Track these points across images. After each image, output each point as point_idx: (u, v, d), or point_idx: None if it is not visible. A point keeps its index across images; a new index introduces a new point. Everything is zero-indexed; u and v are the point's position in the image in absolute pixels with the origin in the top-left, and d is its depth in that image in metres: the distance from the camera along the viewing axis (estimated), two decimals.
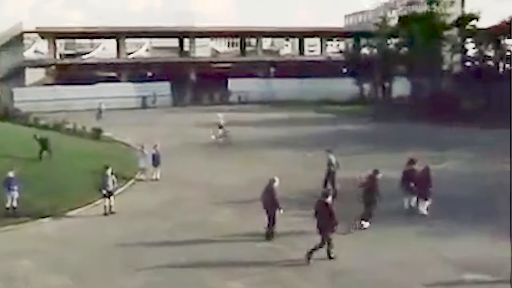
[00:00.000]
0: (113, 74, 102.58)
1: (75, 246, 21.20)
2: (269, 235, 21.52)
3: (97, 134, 49.27)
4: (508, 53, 66.70)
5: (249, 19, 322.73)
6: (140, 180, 32.66)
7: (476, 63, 72.37)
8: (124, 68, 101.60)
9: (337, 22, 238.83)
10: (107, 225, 23.77)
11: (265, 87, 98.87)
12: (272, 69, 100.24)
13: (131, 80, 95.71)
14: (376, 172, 23.05)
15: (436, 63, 70.26)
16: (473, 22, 71.30)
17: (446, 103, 63.41)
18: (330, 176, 28.46)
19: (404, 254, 19.68)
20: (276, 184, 21.69)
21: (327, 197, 19.25)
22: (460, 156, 38.63)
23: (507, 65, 68.50)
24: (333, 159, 28.80)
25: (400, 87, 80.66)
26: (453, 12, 70.26)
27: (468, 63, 73.74)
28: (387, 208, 23.47)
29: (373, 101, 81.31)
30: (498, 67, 68.72)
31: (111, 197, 25.60)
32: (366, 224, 22.48)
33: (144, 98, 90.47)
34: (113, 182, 25.98)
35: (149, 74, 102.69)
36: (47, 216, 24.78)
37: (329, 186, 27.85)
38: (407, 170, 25.10)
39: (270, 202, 21.46)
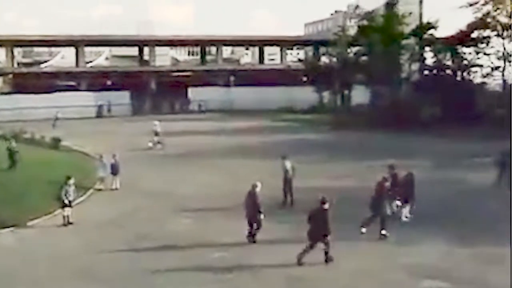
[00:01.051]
0: (72, 83, 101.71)
1: (31, 257, 21.01)
2: (250, 239, 21.80)
3: (56, 143, 48.86)
4: (466, 62, 67.44)
5: (209, 28, 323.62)
6: (100, 189, 32.47)
7: (434, 71, 73.09)
8: (83, 77, 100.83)
9: (297, 31, 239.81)
10: (65, 236, 23.58)
11: (225, 95, 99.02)
12: (232, 78, 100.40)
13: (90, 89, 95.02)
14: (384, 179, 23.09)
15: (394, 71, 70.85)
16: (431, 31, 72.03)
17: (404, 112, 64.06)
18: (287, 183, 28.52)
19: (364, 261, 19.85)
20: (258, 189, 21.90)
21: (324, 203, 19.39)
22: (417, 164, 39.01)
23: (465, 74, 69.27)
24: (288, 165, 28.93)
25: (360, 95, 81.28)
26: (411, 22, 70.89)
27: (426, 72, 74.41)
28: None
29: (333, 110, 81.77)
30: (455, 76, 69.45)
31: (70, 208, 25.34)
32: (383, 231, 22.39)
33: (99, 107, 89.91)
34: (73, 192, 25.76)
35: (109, 83, 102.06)
36: (6, 227, 24.48)
37: (287, 192, 28.12)
38: (389, 176, 24.91)
39: (252, 207, 21.66)
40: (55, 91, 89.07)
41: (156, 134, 51.73)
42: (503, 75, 63.01)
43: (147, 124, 56.39)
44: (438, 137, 52.79)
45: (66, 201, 25.19)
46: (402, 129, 56.89)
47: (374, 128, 59.65)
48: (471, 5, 61.93)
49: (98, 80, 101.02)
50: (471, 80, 68.89)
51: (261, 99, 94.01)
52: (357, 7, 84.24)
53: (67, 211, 25.20)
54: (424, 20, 73.96)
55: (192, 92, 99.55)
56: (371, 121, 64.47)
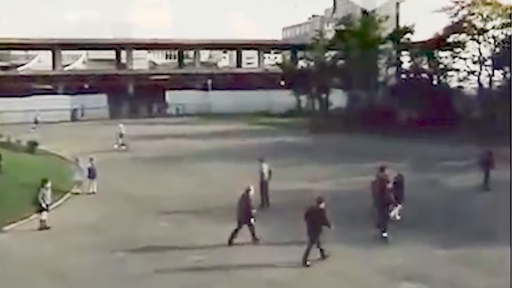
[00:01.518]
0: (49, 86, 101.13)
1: (6, 262, 20.85)
2: (232, 240, 21.94)
3: (32, 147, 48.59)
4: (442, 66, 67.82)
5: (187, 32, 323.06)
6: (77, 193, 32.32)
7: (411, 75, 73.52)
8: (60, 80, 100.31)
9: (275, 35, 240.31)
10: (42, 241, 23.41)
11: (202, 99, 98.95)
12: (210, 81, 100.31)
13: (68, 92, 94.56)
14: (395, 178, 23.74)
15: (371, 75, 71.26)
16: (408, 35, 72.43)
17: (381, 115, 64.43)
18: (263, 185, 28.69)
19: (343, 264, 19.93)
20: (251, 192, 22.25)
21: (320, 203, 19.95)
22: (393, 166, 39.17)
23: (441, 78, 69.66)
24: (265, 168, 29.09)
25: (337, 99, 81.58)
26: (388, 26, 71.27)
27: (403, 76, 74.80)
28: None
29: (310, 113, 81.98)
30: (432, 80, 69.85)
31: (47, 212, 25.16)
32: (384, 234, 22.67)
33: (74, 111, 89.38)
34: (49, 196, 25.60)
35: (86, 86, 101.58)
36: None
37: (264, 195, 28.37)
38: (380, 177, 25.07)
39: (245, 209, 21.95)
40: (32, 94, 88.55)
41: (121, 136, 53.02)
42: (478, 79, 63.43)
43: (126, 128, 56.11)
44: (415, 140, 53.03)
45: (44, 205, 24.96)
46: (379, 132, 57.20)
47: (351, 132, 59.93)
48: (446, 9, 62.31)
49: (75, 84, 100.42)
50: (447, 84, 69.34)
51: (239, 102, 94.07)
52: (334, 11, 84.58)
53: (44, 215, 25.01)
54: (401, 25, 74.38)
55: (169, 96, 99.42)
56: (349, 124, 64.80)
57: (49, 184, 25.54)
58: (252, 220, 21.97)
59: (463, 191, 31.75)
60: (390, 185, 23.66)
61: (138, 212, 27.90)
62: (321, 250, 20.02)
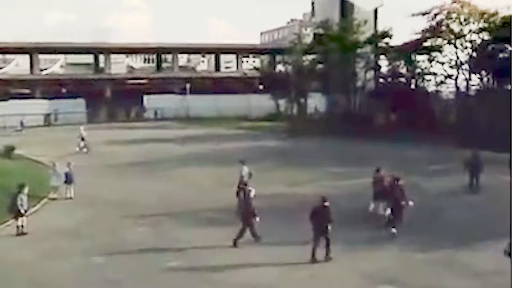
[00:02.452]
0: (26, 90, 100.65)
1: None
2: (236, 241, 22.21)
3: (8, 152, 48.16)
4: (419, 70, 68.11)
5: (165, 36, 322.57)
6: (54, 199, 32.07)
7: (389, 79, 73.81)
8: (38, 85, 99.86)
9: (253, 39, 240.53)
10: (19, 246, 23.20)
11: (181, 103, 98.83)
12: (188, 85, 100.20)
13: (45, 96, 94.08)
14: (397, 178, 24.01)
15: (350, 79, 71.43)
16: (386, 39, 72.70)
17: (360, 119, 64.64)
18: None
19: (323, 267, 19.96)
20: (252, 194, 22.73)
21: (325, 201, 20.59)
22: (370, 171, 39.30)
23: (419, 82, 69.98)
24: (245, 171, 29.22)
25: (316, 103, 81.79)
26: (367, 30, 71.45)
27: (381, 80, 75.05)
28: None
29: (289, 117, 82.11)
30: (410, 84, 70.16)
31: (24, 217, 24.92)
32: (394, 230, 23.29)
33: (47, 115, 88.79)
34: (26, 201, 25.33)
35: (64, 90, 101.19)
36: None
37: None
38: (377, 177, 26.71)
39: (246, 211, 22.37)
40: (9, 98, 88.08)
41: (82, 139, 53.74)
42: (456, 83, 63.74)
43: (103, 132, 55.95)
44: (393, 143, 53.24)
45: (22, 210, 24.69)
46: (358, 136, 57.37)
47: (330, 136, 60.02)
48: (424, 14, 62.57)
49: (53, 88, 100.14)
50: (425, 88, 69.66)
51: (217, 106, 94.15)
52: (312, 15, 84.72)
53: (21, 220, 24.78)
54: (379, 29, 74.62)
55: (148, 100, 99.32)
56: (327, 128, 64.94)
57: (26, 189, 25.27)
58: (256, 219, 22.39)
59: (446, 194, 31.79)
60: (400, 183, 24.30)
61: (115, 217, 27.71)
62: (327, 249, 20.44)
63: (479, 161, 32.65)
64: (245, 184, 28.44)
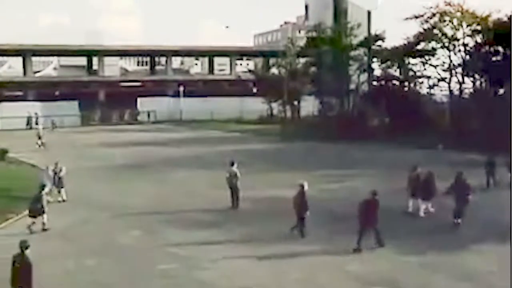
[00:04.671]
0: (19, 93, 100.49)
1: None
2: (302, 234, 23.36)
3: (1, 155, 48.12)
4: (413, 73, 68.30)
5: (159, 38, 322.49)
6: (48, 202, 31.91)
7: (382, 82, 73.98)
8: (31, 87, 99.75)
9: (247, 42, 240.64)
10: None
11: (174, 106, 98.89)
12: (181, 88, 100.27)
13: (38, 99, 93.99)
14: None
15: (343, 82, 71.51)
16: (379, 42, 72.90)
17: (353, 122, 64.73)
18: (234, 188, 29.29)
19: (310, 270, 19.88)
20: (306, 188, 23.66)
21: (375, 195, 21.84)
22: (362, 173, 39.39)
23: (412, 85, 70.18)
24: (234, 171, 29.55)
25: (309, 106, 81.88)
26: (360, 33, 71.54)
27: (374, 83, 75.16)
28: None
29: (282, 120, 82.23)
30: (403, 86, 70.34)
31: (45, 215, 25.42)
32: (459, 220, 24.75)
33: (29, 118, 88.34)
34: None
35: (57, 93, 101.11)
36: None
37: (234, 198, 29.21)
38: (413, 175, 27.55)
39: (300, 204, 23.30)
40: (2, 101, 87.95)
41: (40, 137, 58.99)
42: (449, 86, 63.90)
43: (96, 135, 55.91)
44: (386, 146, 53.31)
45: (46, 209, 25.28)
46: (350, 139, 57.45)
47: (323, 139, 60.07)
48: (417, 17, 62.74)
49: (46, 90, 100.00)
50: (418, 91, 69.87)
51: (211, 109, 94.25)
52: (306, 18, 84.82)
53: (43, 218, 25.26)
54: (372, 32, 74.75)
55: (141, 103, 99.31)
56: (320, 131, 64.99)
57: (47, 189, 26.36)
58: (307, 214, 23.37)
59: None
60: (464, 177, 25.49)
61: (109, 220, 27.66)
62: (378, 237, 21.73)
63: (494, 165, 34.05)
64: (235, 185, 29.18)
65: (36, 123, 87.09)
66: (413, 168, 28.09)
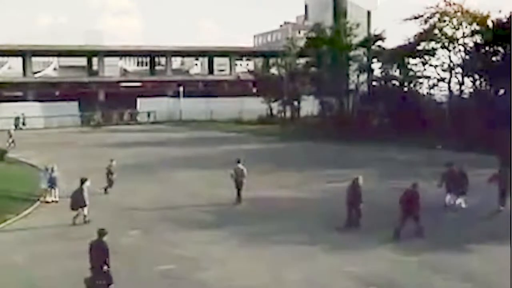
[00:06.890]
0: (19, 93, 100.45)
1: None
2: (356, 224, 24.64)
3: (1, 155, 48.11)
4: (412, 73, 68.23)
5: (159, 39, 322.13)
6: (47, 202, 31.88)
7: (382, 82, 73.99)
8: (31, 88, 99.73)
9: (246, 42, 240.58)
10: (11, 248, 23.12)
11: (174, 106, 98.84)
12: (181, 88, 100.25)
13: (38, 99, 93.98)
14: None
15: (343, 82, 71.52)
16: (379, 42, 72.90)
17: (353, 122, 64.73)
18: (240, 185, 30.29)
19: (309, 269, 19.88)
20: (360, 181, 24.98)
21: (416, 187, 23.62)
22: (362, 173, 39.26)
23: (412, 85, 70.13)
24: (241, 168, 30.48)
25: (309, 106, 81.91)
26: (360, 33, 71.54)
27: (374, 83, 75.15)
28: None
29: (282, 120, 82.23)
30: (403, 87, 70.28)
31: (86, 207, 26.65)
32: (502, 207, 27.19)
33: (16, 119, 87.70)
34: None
35: (57, 93, 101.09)
36: None
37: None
38: (448, 171, 28.85)
39: (354, 197, 24.68)
40: (1, 101, 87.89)
41: (10, 136, 60.70)
42: (449, 86, 63.93)
43: (96, 135, 55.85)
44: (386, 146, 53.29)
45: (87, 202, 26.70)
46: (350, 139, 57.48)
47: (322, 139, 60.10)
48: (416, 18, 62.76)
49: (46, 91, 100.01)
50: (418, 91, 69.83)
51: (211, 109, 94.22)
52: (306, 18, 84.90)
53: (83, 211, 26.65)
54: (372, 32, 74.76)
55: (141, 103, 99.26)
56: (320, 131, 65.02)
57: (88, 183, 27.37)
58: (360, 206, 24.59)
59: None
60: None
61: (108, 220, 27.52)
62: (419, 228, 23.09)
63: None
64: (241, 181, 30.17)
65: (23, 124, 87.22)
66: (448, 164, 29.26)
